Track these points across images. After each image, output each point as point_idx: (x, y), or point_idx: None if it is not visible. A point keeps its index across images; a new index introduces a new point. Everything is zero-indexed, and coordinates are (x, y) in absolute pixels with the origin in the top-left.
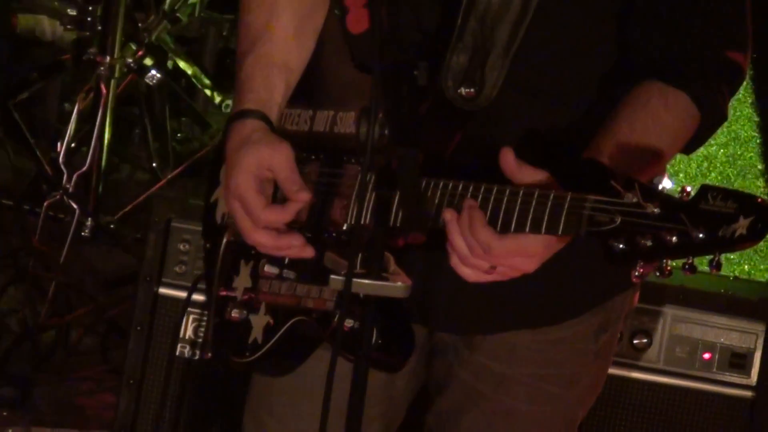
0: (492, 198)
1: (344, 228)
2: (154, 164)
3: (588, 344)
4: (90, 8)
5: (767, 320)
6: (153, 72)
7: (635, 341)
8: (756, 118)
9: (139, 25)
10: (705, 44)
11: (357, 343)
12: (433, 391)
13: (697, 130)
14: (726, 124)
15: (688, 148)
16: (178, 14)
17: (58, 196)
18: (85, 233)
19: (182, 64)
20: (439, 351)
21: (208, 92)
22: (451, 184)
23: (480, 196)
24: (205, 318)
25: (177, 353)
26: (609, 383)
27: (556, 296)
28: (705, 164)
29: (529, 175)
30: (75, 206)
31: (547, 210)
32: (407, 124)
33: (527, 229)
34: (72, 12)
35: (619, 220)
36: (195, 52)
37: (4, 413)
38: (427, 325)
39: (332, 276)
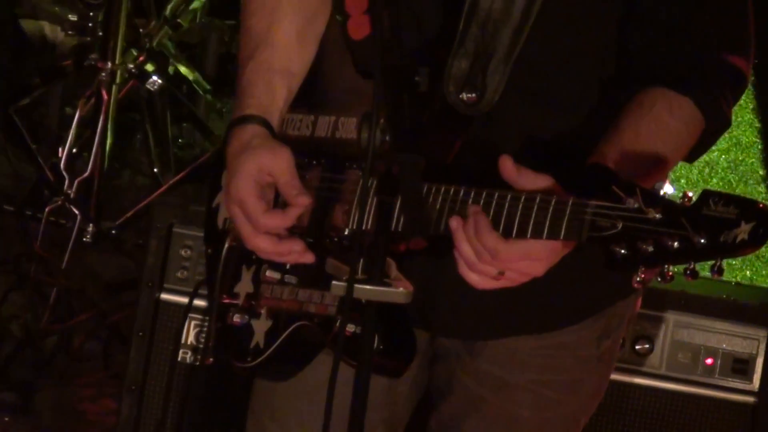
0: (494, 203)
1: (346, 233)
2: (155, 170)
3: (590, 350)
4: (91, 14)
5: None
6: (154, 78)
7: (637, 347)
8: (757, 124)
9: (141, 30)
10: (705, 48)
11: (359, 348)
12: (436, 397)
13: (702, 137)
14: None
15: (693, 155)
16: (179, 20)
17: (59, 202)
18: (87, 239)
19: (183, 70)
20: (441, 356)
21: (208, 97)
22: (452, 190)
23: (482, 201)
24: (206, 323)
25: (179, 359)
26: (611, 389)
27: (558, 302)
28: (707, 170)
29: (530, 180)
30: (76, 212)
31: (549, 215)
32: (409, 130)
33: (529, 234)
34: (73, 17)
35: (620, 225)
36: (196, 58)
37: (6, 419)
38: (429, 331)
39: (334, 281)
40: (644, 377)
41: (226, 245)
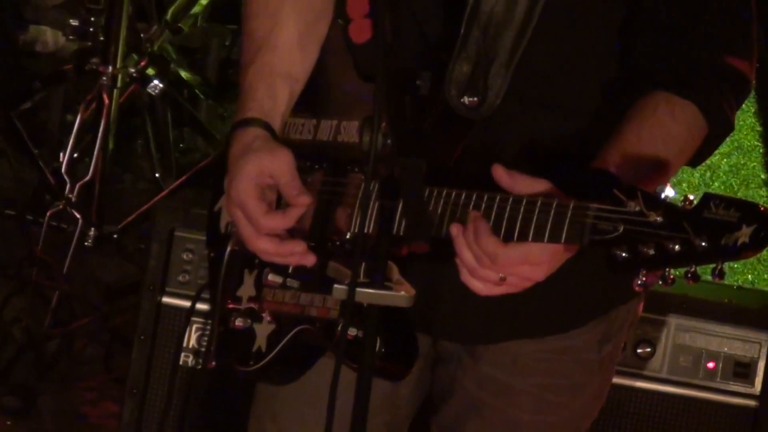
0: (495, 206)
1: (347, 237)
2: (156, 174)
3: (592, 354)
4: (92, 18)
5: None
6: (155, 82)
7: (639, 350)
8: (759, 128)
9: (142, 35)
10: (707, 52)
11: (360, 351)
12: (437, 400)
13: (705, 141)
14: None
15: (696, 160)
16: (180, 24)
17: (60, 206)
18: (88, 243)
19: (184, 74)
20: (442, 360)
21: (210, 102)
22: (454, 193)
23: (483, 204)
24: (208, 327)
25: (180, 362)
26: (613, 392)
27: (560, 306)
28: (708, 174)
29: (526, 184)
30: (78, 216)
31: (550, 218)
32: (410, 133)
33: (530, 238)
34: (75, 22)
35: (621, 228)
36: (197, 62)
37: (8, 422)
38: (430, 334)
39: (335, 285)
40: (646, 381)
41: (229, 249)
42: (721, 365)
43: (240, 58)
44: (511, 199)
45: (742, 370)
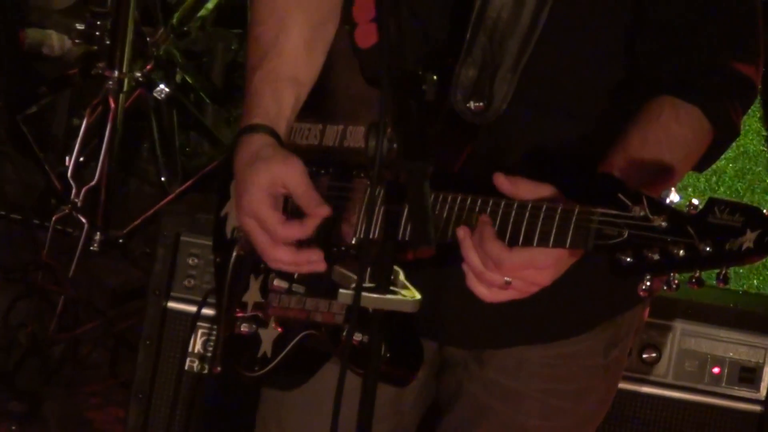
0: (500, 212)
1: (353, 242)
2: (162, 178)
3: (598, 359)
4: (99, 22)
5: None
6: (161, 86)
7: (644, 355)
8: (765, 133)
9: (148, 39)
10: (713, 57)
11: (366, 357)
12: (443, 406)
13: (710, 146)
14: None
15: (702, 165)
16: (186, 28)
17: (66, 211)
18: (94, 247)
19: (190, 78)
20: (448, 365)
21: (215, 106)
22: (459, 198)
23: (488, 209)
24: (214, 332)
25: (186, 367)
26: (618, 398)
27: (566, 311)
28: (714, 178)
29: (529, 190)
30: (83, 220)
31: (555, 223)
32: (416, 138)
33: (535, 243)
34: (80, 26)
35: (626, 233)
36: (203, 66)
37: (13, 428)
38: (436, 340)
39: (341, 290)
40: (651, 386)
41: (234, 254)
42: (726, 370)
43: (246, 63)
44: (516, 204)
45: (748, 375)
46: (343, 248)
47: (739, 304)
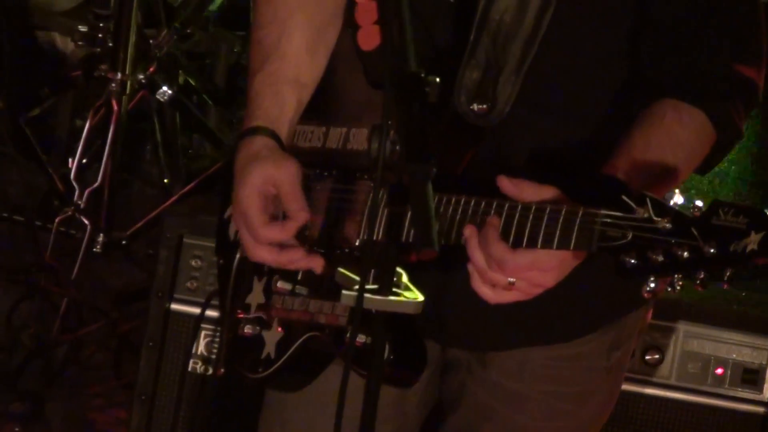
0: (504, 214)
1: (356, 244)
2: (165, 180)
3: (600, 361)
4: (101, 24)
5: None
6: (164, 88)
7: (647, 357)
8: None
9: (151, 41)
10: (717, 59)
11: (369, 358)
12: (446, 408)
13: (713, 148)
14: None
15: (705, 167)
16: (189, 30)
17: (69, 212)
18: (97, 249)
19: (193, 80)
20: (452, 367)
21: (218, 108)
22: (463, 200)
23: (492, 211)
24: (217, 334)
25: (189, 369)
26: (621, 399)
27: (569, 313)
28: (717, 181)
29: (533, 192)
30: (86, 222)
31: (559, 225)
32: (419, 140)
33: (539, 245)
34: (83, 28)
35: (630, 235)
36: (206, 68)
37: (17, 429)
38: (439, 341)
39: (344, 291)
40: (654, 387)
41: (238, 256)
42: (729, 372)
43: (249, 65)
44: (520, 206)
45: (751, 376)
46: (346, 250)
47: (742, 306)
